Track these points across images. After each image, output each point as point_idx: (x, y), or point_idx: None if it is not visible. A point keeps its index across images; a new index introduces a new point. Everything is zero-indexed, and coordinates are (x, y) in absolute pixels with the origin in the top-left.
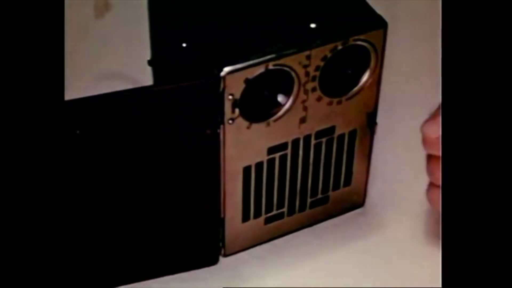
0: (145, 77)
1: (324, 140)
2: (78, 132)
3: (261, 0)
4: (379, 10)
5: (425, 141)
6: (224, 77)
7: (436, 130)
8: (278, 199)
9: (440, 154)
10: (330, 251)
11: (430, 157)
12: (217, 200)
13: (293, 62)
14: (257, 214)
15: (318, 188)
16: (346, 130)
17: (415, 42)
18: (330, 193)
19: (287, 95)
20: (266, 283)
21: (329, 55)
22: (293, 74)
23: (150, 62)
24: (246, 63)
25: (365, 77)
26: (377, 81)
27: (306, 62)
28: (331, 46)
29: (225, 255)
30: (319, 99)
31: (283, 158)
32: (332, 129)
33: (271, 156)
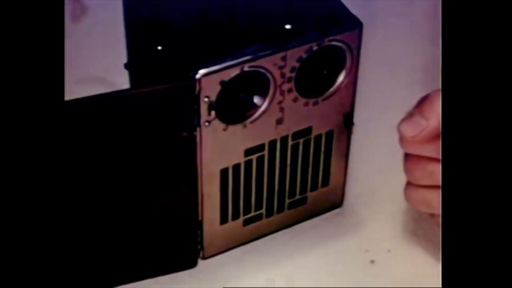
0: (122, 81)
1: (301, 141)
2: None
3: (235, 2)
4: (355, 10)
5: (402, 140)
6: (199, 79)
7: (412, 129)
8: (256, 200)
9: (419, 153)
10: (309, 251)
11: (407, 156)
12: (194, 202)
13: (269, 63)
14: (235, 216)
15: (296, 189)
16: (323, 131)
17: (392, 42)
18: (308, 193)
19: (263, 96)
20: (246, 285)
21: (304, 56)
22: (268, 75)
23: (126, 66)
24: (221, 65)
25: (341, 78)
26: (353, 81)
27: (281, 63)
28: (306, 47)
29: (204, 258)
30: (295, 100)
31: (260, 160)
32: (309, 130)
33: (248, 157)
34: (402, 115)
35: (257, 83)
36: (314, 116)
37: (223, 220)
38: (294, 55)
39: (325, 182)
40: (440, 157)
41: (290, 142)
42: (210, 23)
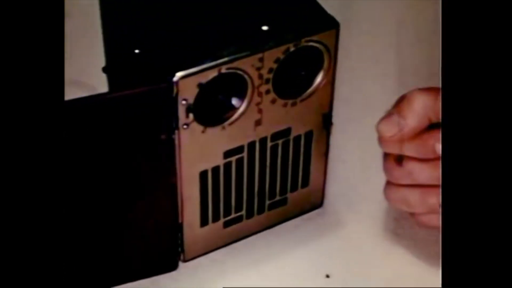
0: (102, 84)
1: (280, 142)
2: None
3: (212, 4)
4: (333, 10)
5: (380, 139)
6: (177, 82)
7: (391, 129)
8: (236, 202)
9: (398, 152)
10: (289, 252)
11: (386, 155)
12: (174, 205)
13: (246, 65)
14: (216, 218)
15: (276, 190)
16: (302, 132)
17: (370, 41)
18: (288, 194)
19: (241, 98)
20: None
21: (282, 57)
22: (246, 77)
23: (104, 69)
24: (198, 68)
25: (319, 78)
26: (331, 82)
27: (259, 64)
28: (283, 48)
29: (185, 260)
30: (273, 101)
31: (239, 162)
32: (288, 131)
33: (228, 159)
34: (381, 115)
35: (235, 85)
36: (293, 117)
37: (204, 222)
38: (271, 56)
39: (305, 183)
40: (419, 156)
41: (269, 144)
42: (187, 26)
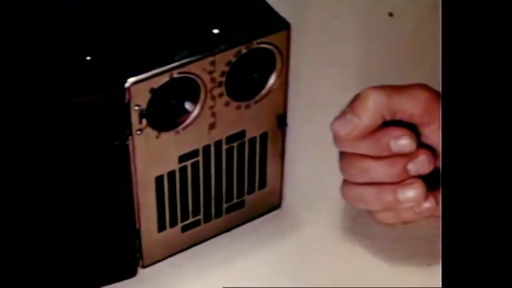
0: None
1: (235, 144)
2: None
3: (162, 9)
4: (285, 11)
5: (335, 138)
6: (128, 88)
7: (345, 127)
8: (193, 206)
9: (353, 150)
10: (249, 254)
11: (342, 154)
12: (131, 211)
13: (198, 69)
14: (173, 223)
15: (233, 193)
16: (256, 133)
17: (325, 41)
18: (246, 196)
19: (194, 102)
20: None
21: (233, 59)
22: (198, 81)
23: None
24: (150, 73)
25: (272, 80)
26: (284, 83)
27: (210, 68)
28: (235, 50)
29: (144, 266)
30: (227, 104)
31: (195, 166)
32: (242, 133)
33: (183, 164)
34: (336, 114)
35: (187, 89)
36: (247, 119)
37: (161, 227)
38: (223, 59)
39: (262, 184)
40: (374, 154)
41: (224, 147)
42: (138, 31)
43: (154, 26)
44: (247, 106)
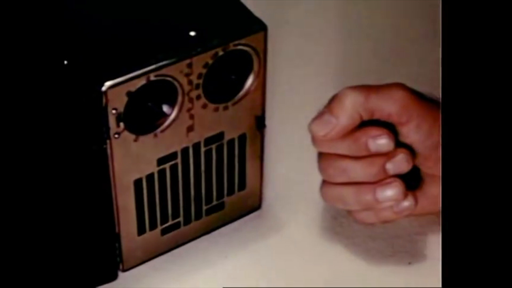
0: None
1: (213, 146)
2: None
3: (138, 12)
4: (264, 12)
5: (314, 139)
6: (105, 92)
7: (323, 128)
8: (173, 209)
9: (331, 151)
10: (230, 256)
11: (320, 155)
12: (110, 215)
13: (175, 71)
14: (153, 226)
15: (213, 195)
16: (235, 135)
17: (302, 42)
18: (225, 198)
19: (172, 104)
20: None
21: (210, 62)
22: (175, 83)
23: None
24: (126, 76)
25: (249, 81)
26: (262, 84)
27: (187, 70)
28: (211, 52)
29: (124, 270)
30: (204, 106)
31: (173, 168)
32: (221, 135)
33: (161, 167)
34: (315, 114)
35: (164, 91)
36: (225, 121)
37: (141, 231)
38: (200, 62)
39: (242, 186)
40: (352, 154)
41: (202, 149)
42: (114, 34)
43: (130, 29)
44: (225, 108)
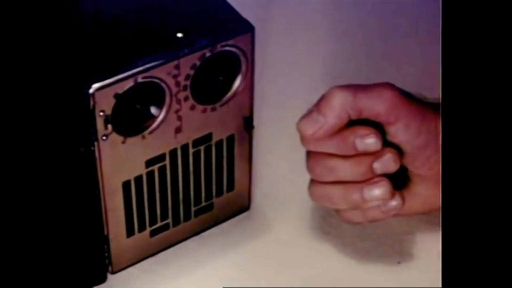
0: None
1: (202, 147)
2: None
3: (125, 14)
4: (251, 13)
5: (302, 138)
6: (93, 94)
7: (310, 127)
8: (162, 210)
9: (319, 150)
10: (219, 257)
11: (309, 154)
12: (98, 217)
13: (162, 73)
14: (142, 228)
15: (201, 196)
16: (223, 136)
17: (290, 43)
18: (214, 199)
19: (160, 106)
20: None
21: (198, 63)
22: (163, 85)
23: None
24: (114, 78)
25: (237, 82)
26: (250, 85)
27: (175, 72)
28: (199, 54)
29: (113, 272)
30: (192, 107)
31: (162, 170)
32: (209, 136)
33: (150, 168)
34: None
35: (152, 93)
36: (214, 122)
37: (130, 232)
38: (187, 63)
39: (230, 187)
40: (340, 153)
41: (191, 150)
42: (101, 36)
43: (117, 31)
44: (213, 109)
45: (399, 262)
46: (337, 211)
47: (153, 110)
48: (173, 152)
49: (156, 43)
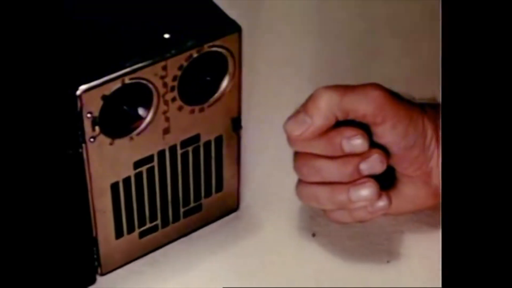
0: None
1: (190, 148)
2: None
3: (112, 15)
4: (238, 13)
5: (289, 139)
6: (80, 96)
7: (297, 128)
8: (150, 212)
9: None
10: (208, 258)
11: (296, 154)
12: (87, 219)
13: (149, 74)
14: (131, 229)
15: (190, 197)
16: (211, 137)
17: (278, 42)
18: (203, 200)
19: (147, 107)
20: None
21: (185, 64)
22: (150, 86)
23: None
24: (101, 80)
25: (225, 83)
26: (238, 85)
27: (162, 73)
28: (186, 54)
29: (102, 274)
30: (180, 108)
31: (150, 171)
32: (197, 137)
33: (138, 170)
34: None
35: (140, 94)
36: (201, 123)
37: (118, 234)
38: (174, 64)
39: (219, 188)
40: (327, 154)
41: (179, 151)
42: (88, 38)
43: (104, 32)
44: (201, 110)
45: (388, 261)
46: (324, 211)
47: (141, 111)
48: (161, 153)
49: (143, 44)
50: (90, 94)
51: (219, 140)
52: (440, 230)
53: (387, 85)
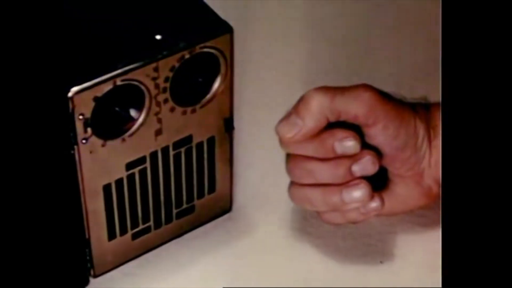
0: None
1: (182, 150)
2: None
3: (103, 16)
4: (230, 14)
5: (281, 141)
6: (72, 97)
7: (289, 130)
8: (143, 213)
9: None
10: (201, 259)
11: (288, 156)
12: (79, 221)
13: (141, 75)
14: (123, 231)
15: (183, 198)
16: (204, 138)
17: (269, 43)
18: (196, 201)
19: (139, 109)
20: None
21: (177, 65)
22: (142, 87)
23: None
24: (93, 81)
25: (217, 84)
26: (230, 86)
27: (154, 74)
28: (178, 56)
29: (95, 276)
30: (172, 109)
31: (142, 172)
32: (189, 138)
33: (130, 171)
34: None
35: (131, 96)
36: (194, 124)
37: (111, 236)
38: (166, 65)
39: (212, 189)
40: (319, 156)
41: (171, 152)
42: (80, 39)
43: (96, 34)
44: (193, 111)
45: (381, 262)
46: (317, 212)
47: (133, 112)
48: (153, 155)
49: (135, 45)
50: (82, 95)
51: (211, 141)
52: (432, 231)
53: (378, 85)
